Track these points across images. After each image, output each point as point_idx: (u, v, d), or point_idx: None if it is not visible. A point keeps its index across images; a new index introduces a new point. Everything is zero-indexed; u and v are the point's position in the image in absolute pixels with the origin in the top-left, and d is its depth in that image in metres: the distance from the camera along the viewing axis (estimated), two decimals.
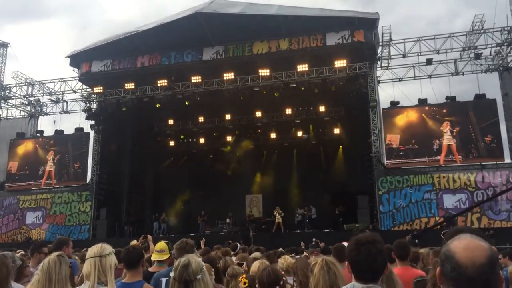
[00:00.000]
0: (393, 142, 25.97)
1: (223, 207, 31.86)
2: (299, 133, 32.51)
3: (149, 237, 7.69)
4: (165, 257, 5.37)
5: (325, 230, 27.38)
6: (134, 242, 7.92)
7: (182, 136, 34.69)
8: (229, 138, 34.28)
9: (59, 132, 32.01)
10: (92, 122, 29.73)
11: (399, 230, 24.18)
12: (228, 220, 30.63)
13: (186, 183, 34.21)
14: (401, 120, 26.34)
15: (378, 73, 28.11)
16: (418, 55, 27.23)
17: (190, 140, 34.97)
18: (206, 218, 30.87)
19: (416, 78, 28.45)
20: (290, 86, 26.10)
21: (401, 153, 25.87)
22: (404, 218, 24.91)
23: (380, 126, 26.13)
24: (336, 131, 32.30)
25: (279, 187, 32.72)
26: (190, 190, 34.39)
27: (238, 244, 9.11)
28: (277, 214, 27.88)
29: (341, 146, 32.62)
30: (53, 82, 33.25)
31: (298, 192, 32.24)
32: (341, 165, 31.98)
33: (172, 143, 35.01)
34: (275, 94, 26.52)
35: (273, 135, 33.37)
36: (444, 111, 25.83)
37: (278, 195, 32.00)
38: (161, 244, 5.51)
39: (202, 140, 34.73)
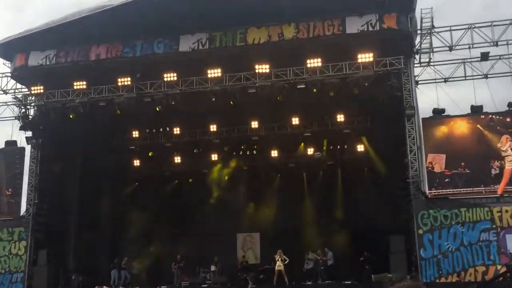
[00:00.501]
0: (435, 164, 25.76)
1: (207, 249, 31.77)
2: (310, 151, 32.86)
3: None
4: None
5: (346, 282, 27.30)
6: None
7: (150, 153, 34.53)
8: (214, 157, 34.38)
9: None
10: (29, 134, 29.40)
11: (447, 282, 23.95)
12: (213, 268, 30.64)
13: (156, 217, 34.02)
14: (447, 134, 26.17)
15: (416, 71, 27.93)
16: (469, 48, 26.99)
17: (161, 158, 34.99)
18: (183, 264, 30.92)
19: (467, 78, 28.26)
20: (298, 87, 25.98)
21: (446, 180, 25.62)
22: (454, 266, 24.54)
23: (420, 142, 25.84)
24: (360, 148, 32.39)
25: (283, 223, 32.64)
26: (161, 226, 34.29)
27: None
28: (279, 259, 27.74)
29: (366, 169, 32.70)
30: None
31: (308, 231, 32.09)
32: (367, 194, 31.87)
33: (137, 162, 34.87)
34: (278, 98, 26.33)
35: (274, 153, 33.55)
36: (508, 120, 25.72)
37: (280, 234, 31.98)
38: None
39: (177, 159, 34.63)
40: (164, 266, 33.19)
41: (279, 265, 27.65)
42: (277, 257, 28.09)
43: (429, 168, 25.94)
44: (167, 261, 32.26)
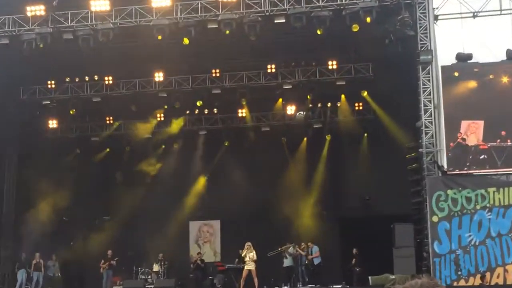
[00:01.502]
0: (470, 135, 25.89)
1: (148, 243, 32.14)
2: (290, 110, 33.14)
3: None
4: None
5: (335, 287, 27.84)
6: None
7: (72, 111, 34.18)
8: (159, 116, 34.46)
9: None
10: None
11: (467, 286, 24.48)
12: (156, 267, 30.99)
13: (78, 197, 34.28)
14: (476, 89, 26.45)
15: (436, 2, 28.07)
16: None
17: (87, 118, 35.02)
18: (115, 262, 31.15)
19: (503, 12, 28.48)
20: (275, 21, 26.00)
21: (481, 156, 25.89)
22: (477, 265, 25.01)
23: (438, 100, 26.22)
24: (358, 106, 32.99)
25: (252, 207, 33.18)
26: (85, 210, 34.68)
27: None
28: (247, 255, 28.09)
29: (365, 135, 33.27)
30: None
31: (286, 217, 32.58)
32: (365, 169, 32.54)
33: (53, 123, 34.70)
34: (250, 37, 26.31)
35: (242, 112, 33.86)
36: None
37: (249, 221, 32.59)
38: None
39: (109, 119, 34.54)
40: (90, 265, 33.43)
41: (248, 264, 27.87)
42: (244, 252, 28.32)
43: (460, 140, 25.92)
44: (94, 258, 32.53)
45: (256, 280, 27.69)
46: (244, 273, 28.00)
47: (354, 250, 29.59)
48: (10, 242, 33.85)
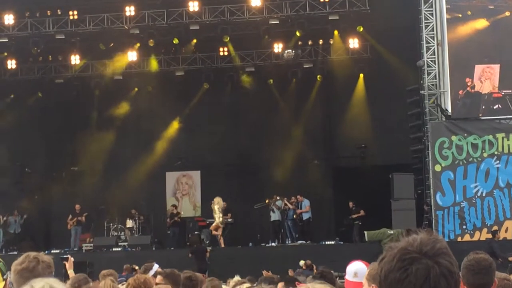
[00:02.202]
0: (485, 80, 25.68)
1: (121, 196, 32.18)
2: (277, 48, 32.77)
3: None
4: None
5: (327, 243, 28.00)
6: None
7: (34, 50, 33.65)
8: (131, 56, 34.04)
9: None
10: None
11: (473, 241, 24.74)
12: (130, 223, 31.18)
13: (41, 147, 34.24)
14: (488, 29, 26.21)
15: None
16: None
17: (50, 57, 34.69)
18: (84, 218, 31.27)
19: None
20: None
21: (495, 106, 25.77)
22: (484, 218, 25.36)
23: (442, 35, 26.02)
24: (352, 43, 32.44)
25: (235, 155, 33.45)
26: (50, 161, 34.84)
27: (156, 265, 10.38)
28: (217, 211, 28.73)
29: (360, 75, 33.06)
30: None
31: (273, 166, 32.66)
32: (361, 113, 32.49)
33: (12, 63, 34.29)
34: None
35: (223, 51, 33.57)
36: None
37: (232, 171, 32.90)
38: None
39: (75, 59, 34.05)
40: (56, 221, 33.37)
41: (218, 216, 29.03)
42: (215, 207, 29.12)
43: (469, 88, 25.78)
44: (61, 213, 32.45)
45: (221, 241, 29.18)
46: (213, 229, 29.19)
47: (351, 204, 29.60)
48: None
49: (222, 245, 28.75)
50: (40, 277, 4.34)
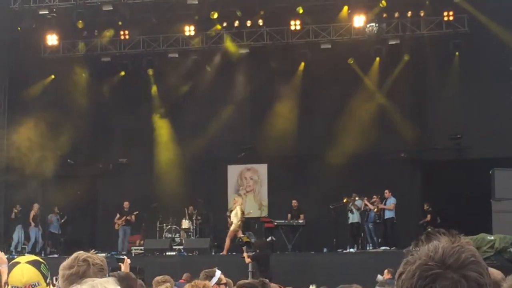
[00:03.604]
0: None
1: (175, 193, 32.79)
2: (358, 21, 32.69)
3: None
4: None
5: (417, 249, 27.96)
6: None
7: (80, 24, 34.12)
8: (189, 31, 34.39)
9: None
10: None
11: None
12: (186, 223, 31.61)
13: (85, 136, 35.02)
14: None
15: None
16: None
17: (97, 32, 35.13)
18: (133, 217, 31.85)
19: None
20: None
21: None
22: None
23: None
24: (447, 16, 32.21)
25: (307, 146, 33.66)
26: (95, 152, 35.49)
27: (218, 272, 10.58)
28: (235, 213, 29.45)
29: (457, 54, 32.93)
30: None
31: (351, 159, 32.69)
32: (456, 98, 32.46)
33: (53, 38, 34.80)
34: None
35: (295, 25, 33.50)
36: None
37: (303, 165, 32.96)
38: (24, 269, 5.95)
39: (125, 34, 34.55)
40: (103, 220, 34.04)
41: (236, 224, 29.43)
42: (233, 211, 29.65)
43: None
44: (108, 211, 33.16)
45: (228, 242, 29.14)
46: (229, 236, 29.52)
47: (425, 206, 29.53)
48: (1, 192, 34.24)
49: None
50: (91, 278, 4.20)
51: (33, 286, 5.88)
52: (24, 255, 17.23)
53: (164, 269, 21.24)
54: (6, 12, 33.35)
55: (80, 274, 5.52)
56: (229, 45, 34.59)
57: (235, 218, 29.52)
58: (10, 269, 6.13)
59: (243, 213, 29.73)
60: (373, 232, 29.62)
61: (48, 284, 5.96)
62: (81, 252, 5.76)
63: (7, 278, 6.16)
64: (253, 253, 25.21)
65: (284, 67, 34.85)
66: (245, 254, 25.15)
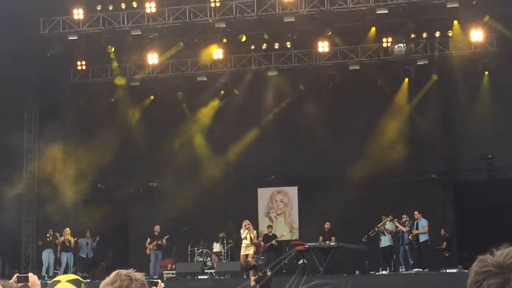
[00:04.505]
0: None
1: (206, 216, 32.99)
2: (386, 42, 32.65)
3: (33, 277, 8.00)
4: None
5: (449, 271, 28.28)
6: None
7: (112, 49, 34.33)
8: (217, 53, 34.28)
9: None
10: None
11: None
12: (217, 247, 31.58)
13: (115, 160, 35.01)
14: None
15: None
16: None
17: (124, 56, 35.45)
18: (165, 241, 31.84)
19: None
20: None
21: None
22: None
23: None
24: (476, 35, 31.85)
25: (338, 168, 33.57)
26: (125, 176, 35.68)
27: None
28: (247, 236, 29.86)
29: (486, 73, 32.88)
30: None
31: (381, 181, 32.84)
32: (486, 117, 32.46)
33: (81, 64, 35.17)
34: None
35: (323, 46, 33.22)
36: None
37: (334, 187, 32.87)
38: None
39: (153, 57, 34.44)
40: (134, 244, 34.09)
41: (248, 247, 29.69)
42: (245, 233, 29.72)
43: None
44: (138, 235, 33.25)
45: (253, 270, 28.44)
46: (242, 259, 29.52)
47: (442, 231, 29.48)
48: (33, 217, 34.42)
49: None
50: None
51: None
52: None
53: None
54: (36, 38, 33.56)
55: None
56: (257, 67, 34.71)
57: (249, 239, 29.74)
58: (50, 287, 6.12)
59: (251, 237, 29.79)
60: (409, 254, 29.40)
61: None
62: (121, 270, 5.61)
63: None
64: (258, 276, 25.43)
65: (312, 89, 34.84)
66: (251, 278, 25.14)
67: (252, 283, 24.50)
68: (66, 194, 33.81)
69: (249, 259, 28.89)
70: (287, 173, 34.87)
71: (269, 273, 26.54)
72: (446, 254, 29.49)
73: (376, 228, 29.61)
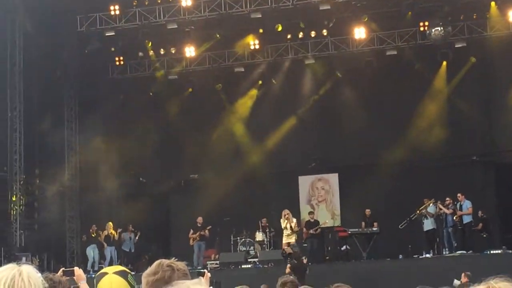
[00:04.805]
0: None
1: (248, 205, 33.25)
2: (423, 26, 32.62)
3: (78, 271, 8.03)
4: None
5: (493, 252, 28.25)
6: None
7: (148, 43, 34.91)
8: (251, 42, 34.61)
9: None
10: None
11: None
12: (260, 236, 31.67)
13: (156, 153, 35.51)
14: None
15: None
16: None
17: (162, 50, 35.58)
18: (207, 232, 31.97)
19: None
20: None
21: None
22: None
23: None
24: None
25: (378, 153, 33.64)
26: (167, 169, 35.86)
27: (297, 281, 10.56)
28: (287, 226, 29.90)
29: None
30: None
31: (422, 164, 32.77)
32: None
33: (120, 60, 35.52)
34: None
35: (359, 33, 33.25)
36: None
37: (375, 172, 32.84)
38: (113, 279, 6.13)
39: (190, 50, 34.61)
40: (177, 236, 34.32)
41: (290, 236, 29.63)
42: (285, 223, 29.79)
43: None
44: (181, 227, 33.44)
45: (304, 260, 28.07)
46: (284, 248, 29.32)
47: (480, 213, 29.34)
48: (76, 212, 34.68)
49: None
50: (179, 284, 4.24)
51: None
52: None
53: (241, 282, 21.28)
54: (74, 35, 33.79)
55: (165, 279, 5.57)
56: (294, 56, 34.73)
57: (290, 228, 29.88)
58: (98, 279, 6.22)
59: (291, 226, 29.88)
60: (453, 236, 29.17)
61: None
62: (163, 259, 5.72)
63: None
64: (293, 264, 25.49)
65: (350, 76, 34.80)
66: (288, 266, 25.21)
67: (287, 270, 24.47)
68: (108, 188, 34.10)
69: (285, 247, 28.95)
70: (327, 160, 34.91)
71: (305, 261, 26.68)
72: (484, 235, 29.23)
73: (418, 211, 29.49)
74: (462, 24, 32.71)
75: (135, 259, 33.12)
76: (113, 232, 32.15)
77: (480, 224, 29.63)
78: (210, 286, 7.37)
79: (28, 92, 32.19)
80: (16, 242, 31.35)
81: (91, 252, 32.00)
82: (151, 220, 34.58)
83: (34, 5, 31.97)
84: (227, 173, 34.68)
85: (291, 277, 11.60)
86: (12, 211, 31.55)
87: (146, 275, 5.73)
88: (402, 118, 33.52)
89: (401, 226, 29.72)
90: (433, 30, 31.69)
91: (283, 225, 30.02)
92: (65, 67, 34.37)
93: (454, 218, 28.91)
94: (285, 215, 29.99)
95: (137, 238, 33.01)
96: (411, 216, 29.66)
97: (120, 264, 31.86)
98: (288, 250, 27.72)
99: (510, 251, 27.82)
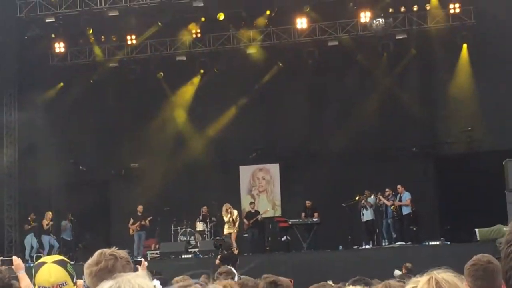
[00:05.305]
0: None
1: (189, 194, 33.22)
2: (364, 17, 32.52)
3: (17, 260, 8.01)
4: None
5: (431, 243, 28.42)
6: None
7: (89, 30, 34.46)
8: (193, 30, 34.67)
9: None
10: None
11: None
12: (200, 225, 31.60)
13: (96, 142, 35.13)
14: None
15: None
16: None
17: (103, 33, 35.27)
18: (148, 222, 31.80)
19: None
20: None
21: None
22: None
23: None
24: (453, 8, 32.07)
25: (319, 144, 33.64)
26: (106, 158, 35.62)
27: (233, 271, 10.60)
28: (229, 218, 30.20)
29: (464, 46, 32.87)
30: None
31: (362, 156, 32.82)
32: (465, 91, 32.47)
33: (60, 46, 34.89)
34: None
35: (301, 23, 33.25)
36: None
37: (316, 162, 32.99)
38: (52, 269, 6.12)
39: (131, 38, 34.49)
40: (117, 225, 34.11)
41: (229, 227, 30.09)
42: (228, 216, 30.06)
43: None
44: (121, 216, 33.25)
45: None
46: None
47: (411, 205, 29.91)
48: (15, 200, 34.31)
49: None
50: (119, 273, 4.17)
51: (60, 286, 6.00)
52: None
53: (181, 272, 21.15)
54: (13, 20, 33.31)
55: (109, 268, 5.61)
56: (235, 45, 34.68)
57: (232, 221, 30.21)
58: (36, 269, 6.18)
59: (233, 220, 30.29)
60: (392, 228, 29.43)
61: (74, 284, 6.09)
62: (104, 249, 5.79)
63: (34, 278, 6.23)
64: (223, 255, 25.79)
65: (292, 66, 34.76)
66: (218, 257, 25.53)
67: (217, 261, 24.49)
68: (47, 176, 33.71)
69: (217, 238, 29.13)
70: (268, 150, 34.83)
71: (236, 252, 26.80)
72: (414, 229, 29.46)
73: (357, 197, 29.66)
74: (403, 16, 32.87)
75: (74, 248, 32.90)
76: (49, 221, 31.87)
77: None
78: (149, 275, 7.54)
79: None
80: None
81: (30, 240, 31.73)
82: (91, 208, 34.12)
83: None
84: (168, 162, 34.56)
85: (228, 267, 11.65)
86: None
87: (89, 266, 5.76)
88: (343, 109, 33.64)
89: (344, 204, 29.76)
90: (374, 21, 31.81)
91: (225, 219, 30.10)
92: (3, 53, 33.86)
93: (392, 208, 29.14)
94: (227, 210, 30.10)
95: (71, 223, 32.80)
96: (352, 200, 29.77)
97: (60, 253, 31.76)
98: (220, 241, 28.03)
99: (449, 243, 28.12)
